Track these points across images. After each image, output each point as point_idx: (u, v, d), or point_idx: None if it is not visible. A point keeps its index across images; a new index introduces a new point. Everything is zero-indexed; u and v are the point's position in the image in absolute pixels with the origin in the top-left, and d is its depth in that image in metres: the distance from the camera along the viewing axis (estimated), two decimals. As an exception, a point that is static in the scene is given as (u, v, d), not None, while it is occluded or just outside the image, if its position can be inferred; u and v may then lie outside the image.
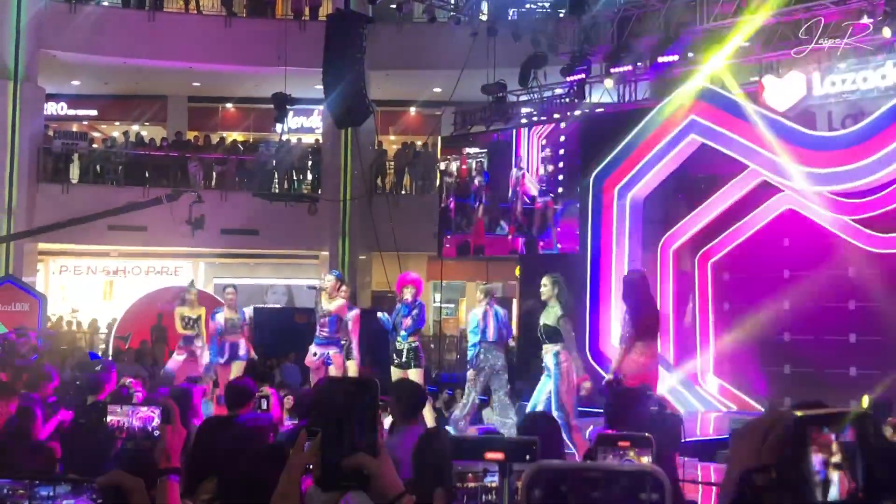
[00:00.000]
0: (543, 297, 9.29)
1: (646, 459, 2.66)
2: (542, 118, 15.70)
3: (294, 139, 23.03)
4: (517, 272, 16.69)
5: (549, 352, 9.13)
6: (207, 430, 4.76)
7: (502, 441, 1.56)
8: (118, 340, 18.34)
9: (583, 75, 14.91)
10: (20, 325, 16.05)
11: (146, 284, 22.32)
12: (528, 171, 15.77)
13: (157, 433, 2.74)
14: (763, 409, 13.13)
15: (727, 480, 1.32)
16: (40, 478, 2.64)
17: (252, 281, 24.66)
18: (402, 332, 10.44)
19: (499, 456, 1.71)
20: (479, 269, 20.55)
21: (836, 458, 1.19)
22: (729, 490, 1.29)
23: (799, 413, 1.22)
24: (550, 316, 9.19)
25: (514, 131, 15.96)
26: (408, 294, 10.40)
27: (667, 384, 12.97)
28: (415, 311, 10.46)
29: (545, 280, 9.32)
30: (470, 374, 10.14)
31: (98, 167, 21.91)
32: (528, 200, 15.66)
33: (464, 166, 16.85)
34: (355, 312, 11.55)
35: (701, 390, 13.64)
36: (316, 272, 23.70)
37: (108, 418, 2.92)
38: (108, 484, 2.31)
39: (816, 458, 1.19)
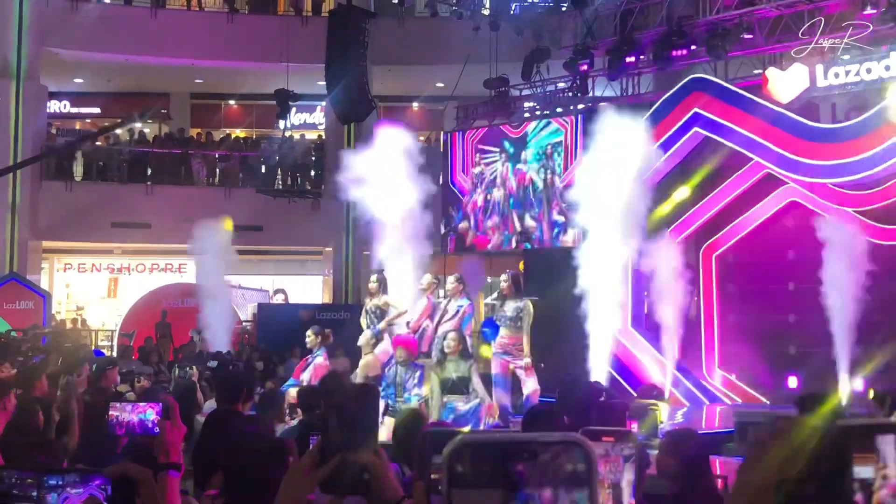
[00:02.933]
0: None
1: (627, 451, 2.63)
2: (545, 112, 15.67)
3: (297, 135, 23.00)
4: (521, 267, 16.65)
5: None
6: (212, 424, 4.76)
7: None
8: (123, 337, 18.34)
9: (585, 66, 14.89)
10: (33, 323, 16.06)
11: (150, 282, 22.32)
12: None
13: (156, 429, 2.72)
14: (767, 402, 13.10)
15: (745, 487, 1.25)
16: (48, 469, 2.62)
17: (256, 278, 24.65)
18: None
19: None
20: (482, 264, 20.50)
21: (882, 471, 1.15)
22: (747, 497, 1.23)
23: (840, 424, 1.18)
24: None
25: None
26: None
27: (672, 377, 12.95)
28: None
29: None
30: None
31: (101, 164, 21.90)
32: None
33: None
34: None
35: (705, 383, 13.61)
36: (320, 268, 23.69)
37: (109, 413, 2.90)
38: (116, 474, 2.30)
39: (858, 471, 1.15)
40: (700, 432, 10.03)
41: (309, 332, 10.70)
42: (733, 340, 14.25)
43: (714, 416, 12.25)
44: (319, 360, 10.45)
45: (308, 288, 25.23)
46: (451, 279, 10.63)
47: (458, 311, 10.32)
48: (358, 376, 10.26)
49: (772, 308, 13.87)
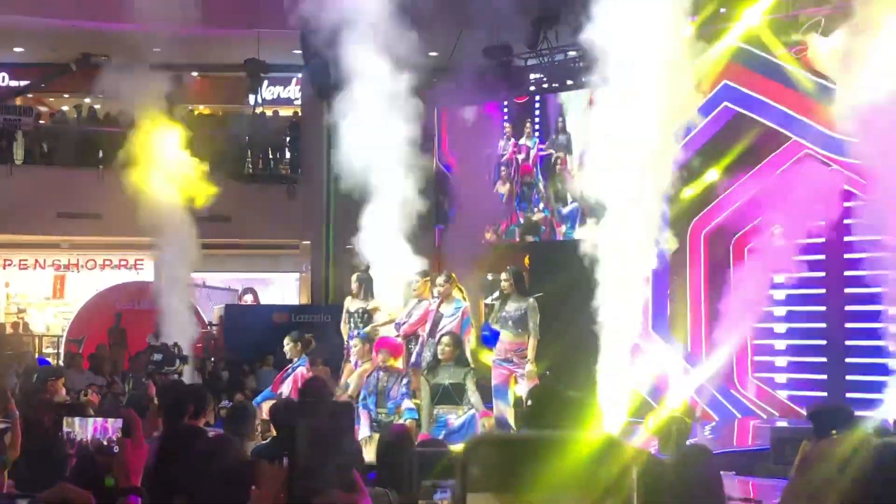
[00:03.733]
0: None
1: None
2: (555, 85, 15.68)
3: (269, 112, 22.99)
4: (526, 262, 16.68)
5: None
6: (171, 443, 4.77)
7: None
8: (71, 344, 18.34)
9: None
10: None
11: (102, 280, 22.32)
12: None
13: (115, 448, 2.72)
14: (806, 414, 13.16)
15: None
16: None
17: (223, 275, 24.62)
18: None
19: None
20: (483, 259, 20.52)
21: None
22: None
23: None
24: None
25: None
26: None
27: (697, 387, 12.99)
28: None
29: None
30: None
31: (46, 147, 21.86)
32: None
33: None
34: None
35: (736, 393, 13.65)
36: (296, 264, 23.70)
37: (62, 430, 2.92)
38: (54, 499, 2.31)
39: None
40: (728, 450, 10.08)
41: (287, 339, 10.74)
42: (769, 344, 14.30)
43: (747, 431, 12.30)
44: (301, 370, 10.50)
45: (283, 287, 25.21)
46: (440, 279, 10.60)
47: (455, 314, 10.33)
48: (352, 387, 10.29)
49: (814, 308, 13.90)
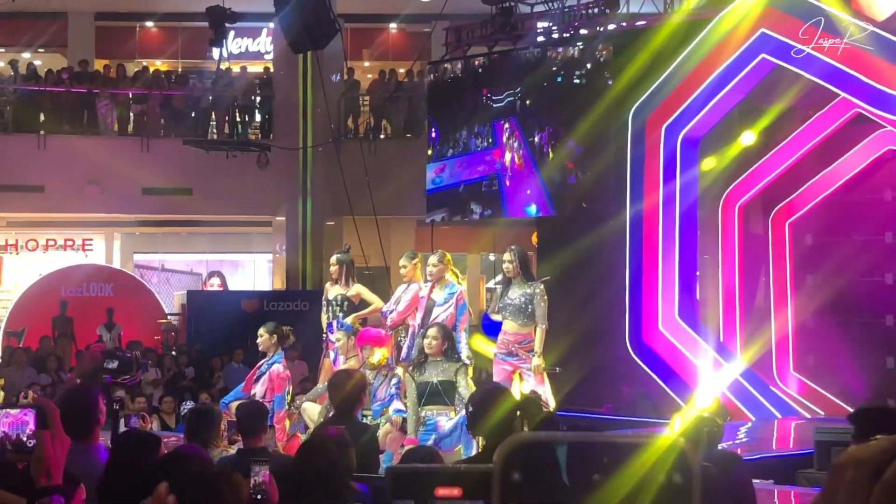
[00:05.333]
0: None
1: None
2: (565, 34, 15.64)
3: (236, 68, 22.94)
4: (534, 240, 16.71)
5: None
6: (127, 446, 4.78)
7: (459, 471, 1.47)
8: (10, 337, 18.36)
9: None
10: None
11: (45, 263, 22.32)
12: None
13: (31, 443, 2.72)
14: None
15: None
16: None
17: (184, 256, 24.67)
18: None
19: (453, 492, 1.54)
20: (483, 236, 20.55)
21: None
22: None
23: None
24: None
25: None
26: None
27: (730, 382, 13.02)
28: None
29: None
30: None
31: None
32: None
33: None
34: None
35: (776, 390, 13.69)
36: (269, 244, 23.71)
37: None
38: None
39: None
40: (766, 455, 10.12)
41: (261, 331, 10.70)
42: (814, 334, 14.33)
43: (788, 433, 12.34)
44: (277, 367, 10.45)
45: (254, 270, 25.23)
46: (432, 259, 10.55)
47: (449, 300, 10.32)
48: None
49: (864, 291, 13.92)
